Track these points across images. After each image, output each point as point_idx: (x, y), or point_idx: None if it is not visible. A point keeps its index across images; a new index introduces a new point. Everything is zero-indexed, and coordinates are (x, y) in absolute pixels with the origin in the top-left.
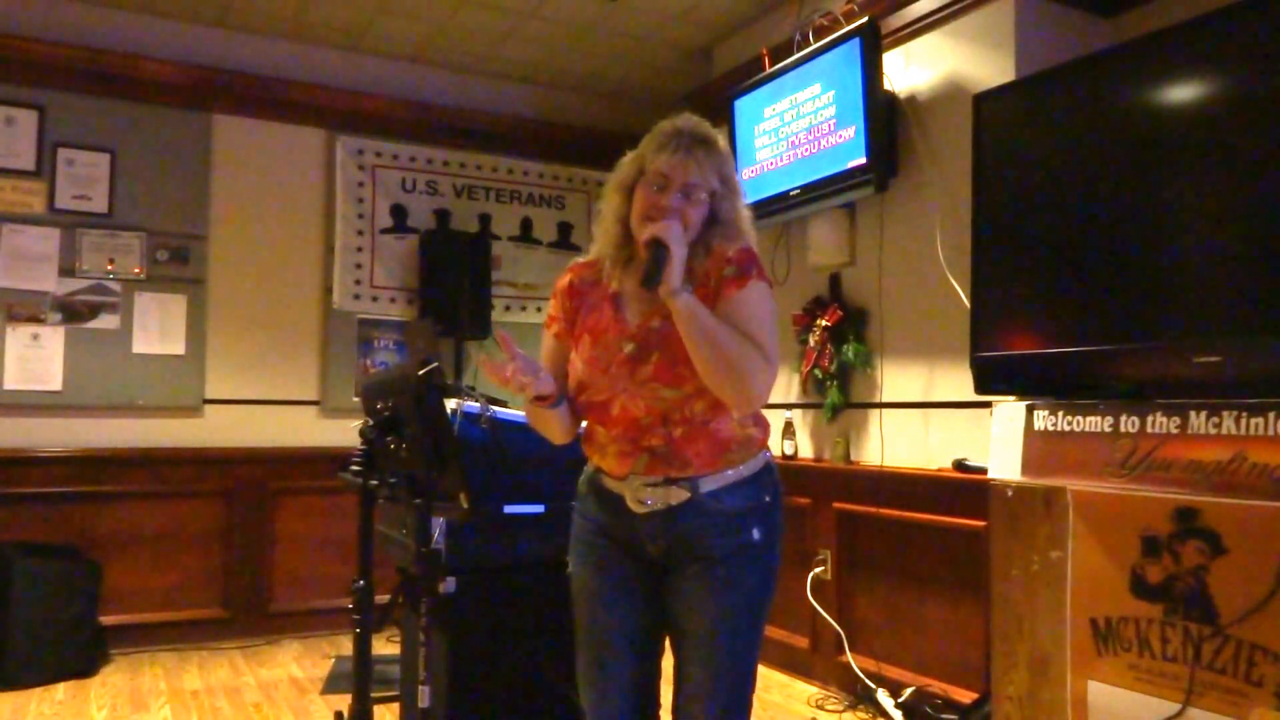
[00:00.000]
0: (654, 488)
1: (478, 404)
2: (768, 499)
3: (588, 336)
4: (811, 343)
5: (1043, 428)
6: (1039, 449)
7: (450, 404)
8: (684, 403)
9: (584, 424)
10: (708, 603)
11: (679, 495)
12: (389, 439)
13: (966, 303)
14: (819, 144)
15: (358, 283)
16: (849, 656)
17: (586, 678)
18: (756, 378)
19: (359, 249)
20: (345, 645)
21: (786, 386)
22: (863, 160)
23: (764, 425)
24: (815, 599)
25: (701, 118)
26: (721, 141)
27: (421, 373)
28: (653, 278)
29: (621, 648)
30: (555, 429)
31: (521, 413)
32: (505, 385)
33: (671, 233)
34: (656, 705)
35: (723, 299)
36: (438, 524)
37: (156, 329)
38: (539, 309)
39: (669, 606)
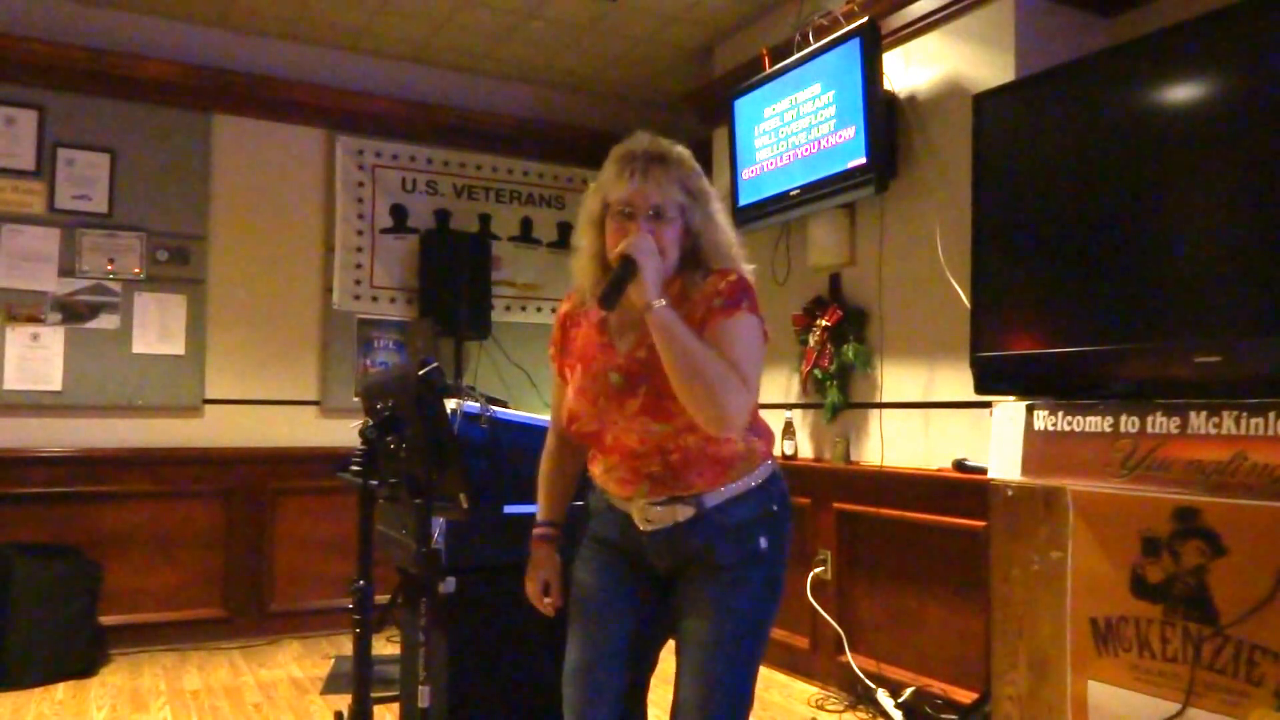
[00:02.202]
0: (659, 506)
1: (478, 404)
2: (775, 508)
3: (579, 364)
4: (811, 343)
5: (1043, 428)
6: (1039, 449)
7: (450, 404)
8: (676, 436)
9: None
10: (711, 608)
11: (685, 512)
12: (389, 439)
13: (966, 303)
14: (819, 144)
15: (358, 283)
16: (849, 656)
17: (574, 683)
18: (731, 398)
19: (359, 249)
20: (345, 645)
21: (786, 386)
22: (863, 160)
23: (767, 436)
24: (815, 599)
25: (655, 134)
26: (679, 153)
27: (421, 373)
28: (610, 298)
29: (614, 656)
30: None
31: (521, 413)
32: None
33: (641, 247)
34: (643, 716)
35: (709, 328)
36: (438, 524)
37: (156, 329)
38: (539, 309)
39: (673, 610)
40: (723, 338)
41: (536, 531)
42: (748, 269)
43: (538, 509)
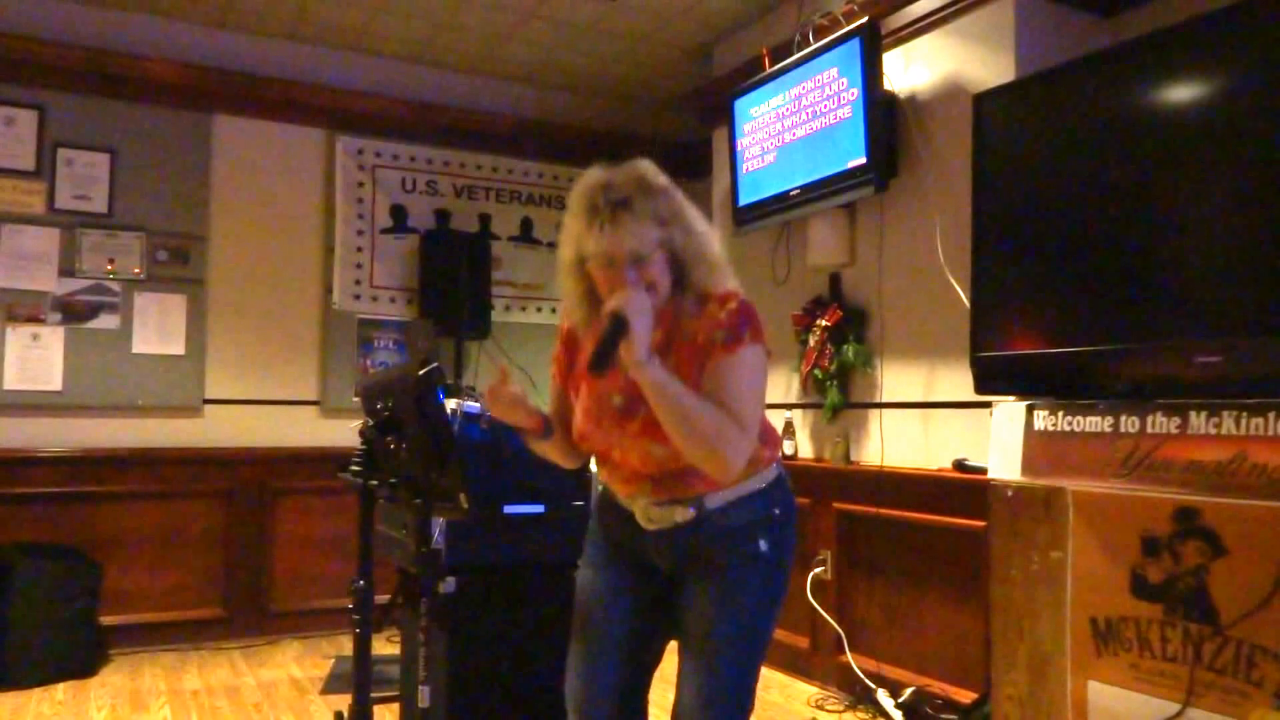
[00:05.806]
0: (661, 507)
1: (478, 404)
2: (777, 511)
3: (584, 385)
4: (811, 343)
5: (1043, 428)
6: (1039, 449)
7: (450, 404)
8: (676, 458)
9: None
10: (711, 607)
11: (685, 514)
12: (389, 439)
13: (966, 303)
14: (819, 144)
15: (358, 283)
16: (849, 656)
17: (575, 675)
18: (729, 449)
19: (359, 249)
20: (345, 645)
21: (786, 386)
22: (863, 160)
23: (772, 441)
24: (815, 599)
25: (606, 164)
26: (642, 185)
27: (421, 373)
28: (600, 363)
29: (613, 649)
30: (558, 457)
31: None
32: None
33: (633, 305)
34: (643, 713)
35: (711, 362)
36: (438, 524)
37: (156, 329)
38: (539, 309)
39: (676, 613)
40: (723, 378)
41: None
42: (735, 283)
43: None
